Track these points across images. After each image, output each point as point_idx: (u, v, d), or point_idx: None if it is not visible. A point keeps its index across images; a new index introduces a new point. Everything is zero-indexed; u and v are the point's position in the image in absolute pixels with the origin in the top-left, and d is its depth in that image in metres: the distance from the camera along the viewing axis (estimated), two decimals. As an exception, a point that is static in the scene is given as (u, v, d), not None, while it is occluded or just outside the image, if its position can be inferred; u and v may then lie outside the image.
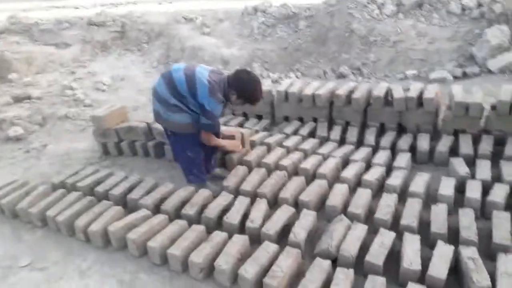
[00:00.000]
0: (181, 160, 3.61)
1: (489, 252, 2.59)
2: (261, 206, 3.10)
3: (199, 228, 2.94)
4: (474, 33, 5.92)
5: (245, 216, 3.06)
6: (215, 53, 7.33)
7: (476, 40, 5.77)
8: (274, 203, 3.30)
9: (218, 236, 2.85)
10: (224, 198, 3.31)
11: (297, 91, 4.44)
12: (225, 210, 3.18)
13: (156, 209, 3.31)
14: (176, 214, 3.25)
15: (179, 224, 3.01)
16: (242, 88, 3.23)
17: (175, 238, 2.87)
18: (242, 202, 3.19)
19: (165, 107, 3.27)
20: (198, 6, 9.78)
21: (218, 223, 3.12)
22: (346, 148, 3.88)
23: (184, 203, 3.32)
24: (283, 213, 3.00)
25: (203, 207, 3.26)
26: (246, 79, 3.24)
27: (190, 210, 3.20)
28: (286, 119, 4.65)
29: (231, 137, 3.79)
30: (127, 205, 3.47)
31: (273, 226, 2.87)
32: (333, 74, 6.37)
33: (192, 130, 3.34)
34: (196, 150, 3.44)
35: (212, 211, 3.15)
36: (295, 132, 4.32)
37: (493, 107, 3.75)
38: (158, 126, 4.23)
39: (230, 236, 2.84)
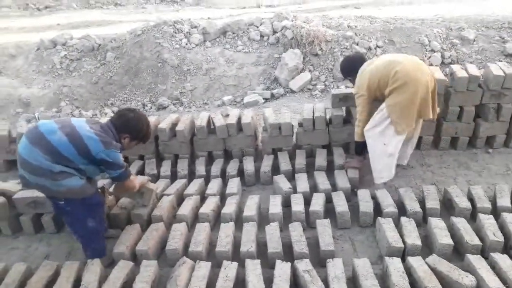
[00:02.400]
0: (79, 233, 2.99)
1: (319, 259, 2.86)
2: (94, 268, 2.75)
3: (19, 314, 2.44)
4: (274, 57, 6.63)
5: (77, 284, 2.67)
6: (11, 95, 6.36)
7: (277, 64, 6.48)
8: (111, 262, 2.98)
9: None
10: (47, 268, 2.83)
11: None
12: (51, 281, 2.72)
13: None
14: (-13, 302, 2.64)
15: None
16: (135, 129, 2.92)
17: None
18: (70, 268, 2.78)
19: (50, 178, 2.65)
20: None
21: (43, 301, 2.64)
22: (179, 183, 3.80)
23: (-5, 286, 2.72)
24: (120, 270, 2.72)
25: (22, 284, 2.73)
26: (136, 118, 2.93)
27: (3, 293, 2.64)
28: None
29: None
30: None
31: (111, 287, 2.58)
32: (153, 106, 6.25)
33: (89, 191, 2.85)
34: (97, 217, 2.93)
35: (33, 288, 2.66)
36: (121, 175, 4.02)
37: (300, 124, 4.22)
38: None
39: (60, 314, 2.43)
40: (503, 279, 2.43)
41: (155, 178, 3.99)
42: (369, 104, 3.48)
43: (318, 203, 3.32)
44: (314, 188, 3.64)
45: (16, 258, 3.22)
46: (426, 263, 2.59)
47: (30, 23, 10.29)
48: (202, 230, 3.08)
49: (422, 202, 3.31)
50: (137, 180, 3.21)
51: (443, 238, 2.79)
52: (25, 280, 2.78)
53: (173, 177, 4.03)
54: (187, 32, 7.10)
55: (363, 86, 3.43)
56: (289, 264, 2.66)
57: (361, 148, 3.70)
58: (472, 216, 3.16)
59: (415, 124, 3.49)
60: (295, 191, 3.57)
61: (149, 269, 2.71)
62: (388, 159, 3.47)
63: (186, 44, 6.89)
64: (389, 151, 3.42)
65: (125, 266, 2.77)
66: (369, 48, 6.46)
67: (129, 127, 2.92)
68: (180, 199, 3.64)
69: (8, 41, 8.05)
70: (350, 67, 3.69)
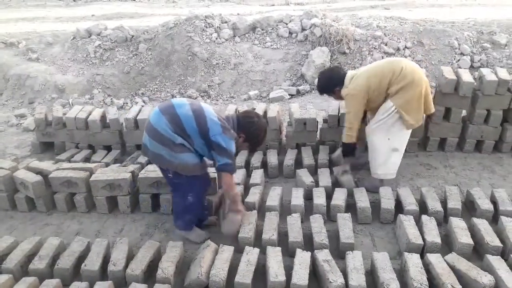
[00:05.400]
0: (177, 202, 3.15)
1: (338, 251, 2.93)
2: (122, 246, 2.90)
3: (53, 283, 2.60)
4: (301, 54, 6.70)
5: (106, 260, 2.83)
6: (47, 81, 6.63)
7: (304, 61, 6.54)
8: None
9: (77, 287, 2.56)
10: (79, 244, 3.00)
11: (147, 117, 4.31)
12: (82, 257, 2.89)
13: (-5, 270, 2.81)
14: (24, 271, 2.83)
15: (28, 282, 2.61)
16: (252, 133, 3.03)
17: (24, 301, 2.48)
18: (100, 245, 2.94)
19: (169, 148, 2.82)
20: (18, 29, 8.69)
21: (75, 274, 2.80)
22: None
23: (31, 256, 2.90)
24: (147, 250, 2.86)
25: (55, 257, 2.90)
26: (258, 124, 3.03)
27: (39, 263, 2.81)
28: (138, 147, 4.47)
29: None
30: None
31: (138, 265, 2.72)
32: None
33: (200, 171, 2.97)
34: (198, 195, 3.07)
35: (66, 261, 2.83)
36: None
37: (325, 121, 4.28)
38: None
39: (91, 286, 2.58)
40: (522, 281, 2.44)
41: (182, 166, 4.13)
42: (363, 106, 3.49)
43: (339, 197, 3.38)
44: (336, 184, 3.70)
45: (49, 233, 3.40)
46: (445, 260, 2.63)
47: (66, 13, 10.66)
48: (226, 217, 3.19)
49: (443, 202, 3.32)
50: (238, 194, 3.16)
51: (463, 237, 2.81)
52: (58, 254, 2.95)
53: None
54: (217, 27, 7.24)
55: (361, 86, 3.42)
56: (309, 253, 2.74)
57: (351, 149, 3.71)
58: (494, 219, 3.16)
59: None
60: (317, 185, 3.65)
61: (175, 249, 2.85)
62: (392, 154, 3.55)
63: (216, 38, 7.03)
64: (394, 145, 3.52)
65: (151, 246, 2.91)
66: (398, 49, 6.44)
67: (250, 128, 3.01)
68: (206, 187, 3.76)
69: (45, 30, 8.38)
70: (334, 79, 3.59)
